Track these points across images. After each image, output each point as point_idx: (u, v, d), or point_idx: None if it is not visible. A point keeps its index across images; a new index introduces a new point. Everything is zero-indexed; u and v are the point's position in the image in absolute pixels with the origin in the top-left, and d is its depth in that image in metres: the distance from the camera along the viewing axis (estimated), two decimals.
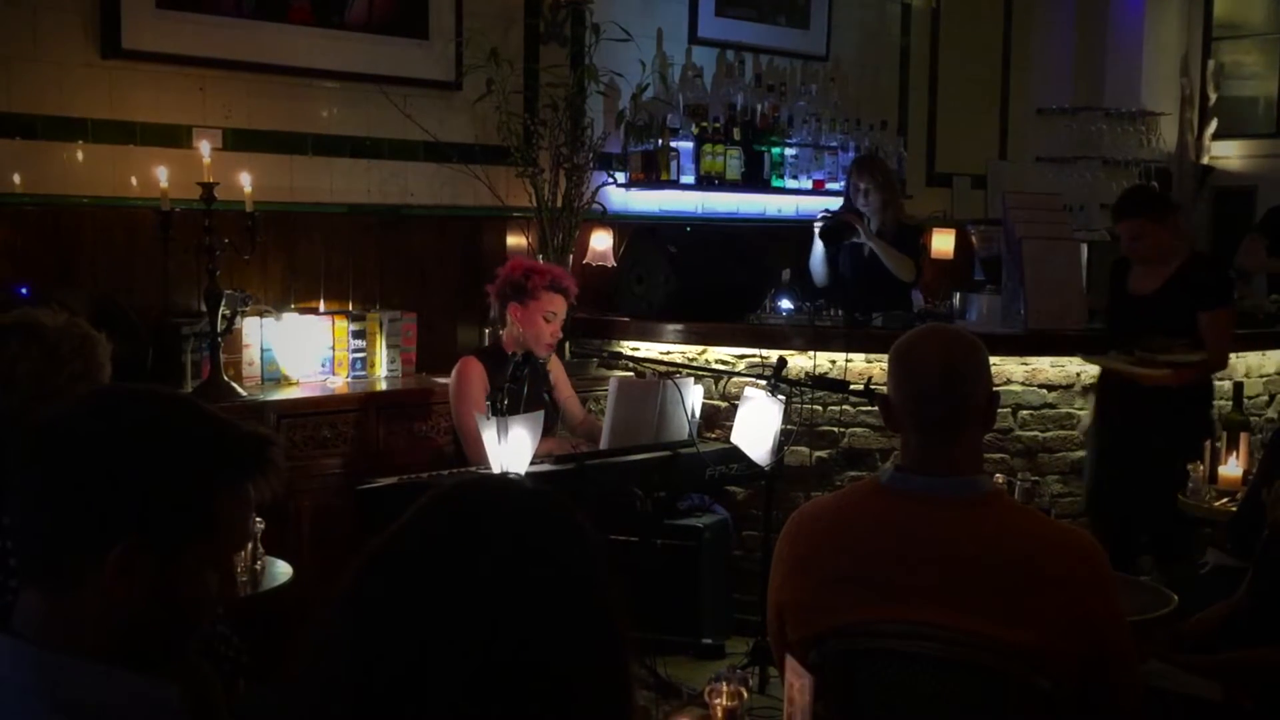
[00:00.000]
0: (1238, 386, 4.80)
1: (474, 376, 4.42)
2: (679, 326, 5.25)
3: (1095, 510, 4.97)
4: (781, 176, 6.24)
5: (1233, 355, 5.39)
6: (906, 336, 2.36)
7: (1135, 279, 4.85)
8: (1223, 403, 5.23)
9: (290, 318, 4.80)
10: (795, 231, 6.35)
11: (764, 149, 6.15)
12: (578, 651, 1.13)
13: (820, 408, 5.06)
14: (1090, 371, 5.12)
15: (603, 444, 4.35)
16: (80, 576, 1.34)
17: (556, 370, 4.76)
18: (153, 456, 1.36)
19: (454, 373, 4.50)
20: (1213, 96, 8.33)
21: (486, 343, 5.02)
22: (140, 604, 1.35)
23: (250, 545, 3.31)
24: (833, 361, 5.02)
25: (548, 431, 4.33)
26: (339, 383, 4.83)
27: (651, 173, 5.78)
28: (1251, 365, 5.48)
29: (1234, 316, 4.84)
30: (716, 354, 5.26)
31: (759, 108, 6.19)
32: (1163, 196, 4.95)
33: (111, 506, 1.34)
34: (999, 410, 2.40)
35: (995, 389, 2.35)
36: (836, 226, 5.57)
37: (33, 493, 1.37)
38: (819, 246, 5.65)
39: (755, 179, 6.14)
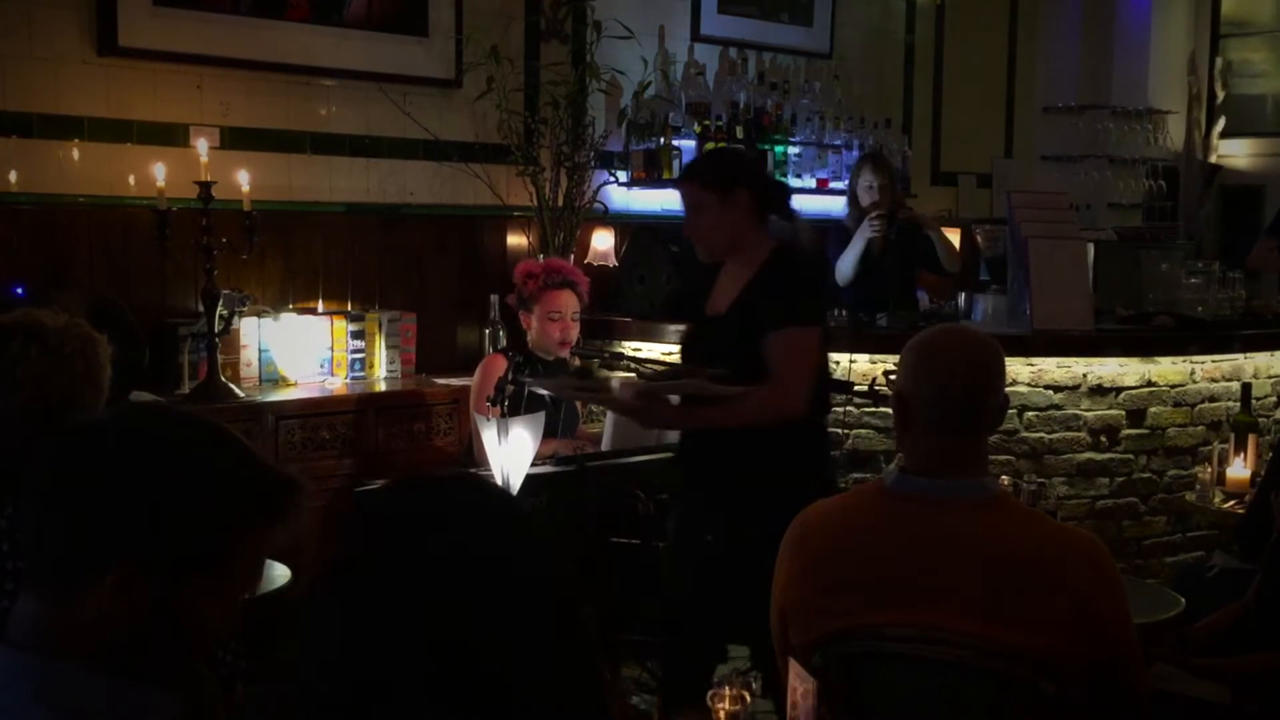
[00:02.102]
0: (1245, 388, 4.76)
1: (495, 374, 4.38)
2: (681, 327, 5.20)
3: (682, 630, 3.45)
4: (785, 175, 6.20)
5: (1241, 355, 5.36)
6: (929, 335, 2.33)
7: (718, 291, 3.52)
8: (1231, 404, 5.19)
9: (288, 318, 4.77)
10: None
11: (767, 147, 6.12)
12: (533, 654, 1.09)
13: None
14: (1096, 373, 5.08)
15: (604, 445, 4.32)
16: (78, 590, 1.32)
17: None
18: (167, 484, 1.33)
19: (478, 368, 4.48)
20: (1220, 94, 8.29)
21: (501, 343, 4.99)
22: (136, 624, 1.32)
23: None
24: (836, 362, 4.95)
25: (550, 432, 4.30)
26: (337, 384, 4.79)
27: (653, 171, 5.75)
28: (1260, 366, 5.44)
29: (814, 338, 3.35)
30: None
31: (762, 106, 6.15)
32: (738, 166, 3.58)
33: (116, 527, 1.31)
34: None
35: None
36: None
37: (42, 498, 1.35)
38: (857, 246, 5.49)
39: None
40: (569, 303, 4.48)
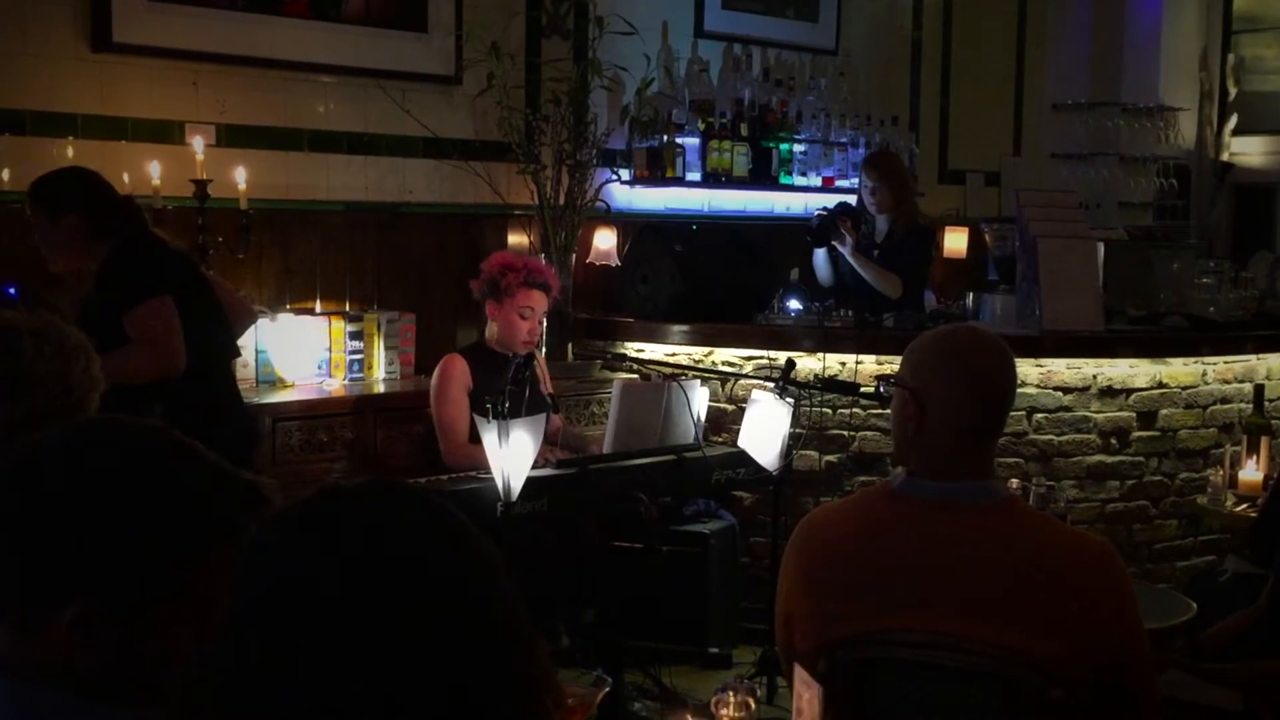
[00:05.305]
0: (1258, 389, 4.70)
1: (455, 374, 4.39)
2: (685, 327, 5.17)
3: None
4: (790, 173, 6.15)
5: (1253, 356, 5.29)
6: (948, 335, 2.31)
7: None
8: (1243, 406, 5.12)
9: (285, 318, 4.73)
10: (804, 230, 6.27)
11: (772, 145, 6.07)
12: (464, 669, 1.03)
13: (830, 411, 4.96)
14: (1106, 374, 5.02)
15: (606, 448, 4.30)
16: (38, 625, 1.27)
17: (541, 369, 4.67)
18: (115, 519, 1.26)
19: (436, 370, 4.44)
20: (1232, 91, 8.22)
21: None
22: (102, 654, 1.27)
23: None
24: (842, 363, 4.93)
25: (550, 436, 4.26)
26: (335, 385, 4.75)
27: (656, 169, 5.70)
28: (1273, 367, 5.38)
29: (163, 306, 3.65)
30: (723, 356, 5.17)
31: (767, 103, 6.10)
32: (70, 192, 3.74)
33: (64, 567, 1.26)
34: (1013, 413, 2.35)
35: None
36: (821, 230, 5.41)
37: None
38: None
39: (763, 176, 6.05)
40: (542, 303, 4.48)
